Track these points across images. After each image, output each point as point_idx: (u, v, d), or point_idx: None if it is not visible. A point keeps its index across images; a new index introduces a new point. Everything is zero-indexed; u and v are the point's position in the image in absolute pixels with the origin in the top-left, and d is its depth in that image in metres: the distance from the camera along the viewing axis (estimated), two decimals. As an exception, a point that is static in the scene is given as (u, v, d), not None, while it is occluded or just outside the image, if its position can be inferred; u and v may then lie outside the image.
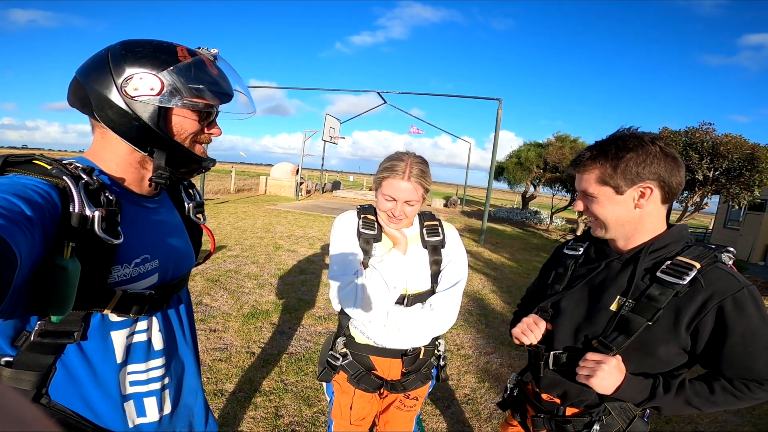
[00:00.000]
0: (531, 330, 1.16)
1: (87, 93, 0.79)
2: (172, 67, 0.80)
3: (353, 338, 1.45)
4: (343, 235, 1.41)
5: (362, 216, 1.44)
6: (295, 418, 2.41)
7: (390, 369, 1.45)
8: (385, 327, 1.37)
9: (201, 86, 0.83)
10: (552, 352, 1.13)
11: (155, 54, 0.80)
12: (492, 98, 10.16)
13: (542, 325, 1.16)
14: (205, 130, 0.90)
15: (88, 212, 0.69)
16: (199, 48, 0.89)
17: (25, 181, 0.66)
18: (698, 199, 9.37)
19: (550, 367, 1.13)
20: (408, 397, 1.51)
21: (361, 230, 1.41)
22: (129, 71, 0.78)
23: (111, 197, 0.75)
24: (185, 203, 1.06)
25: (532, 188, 18.88)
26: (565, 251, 1.25)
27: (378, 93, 13.15)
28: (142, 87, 0.78)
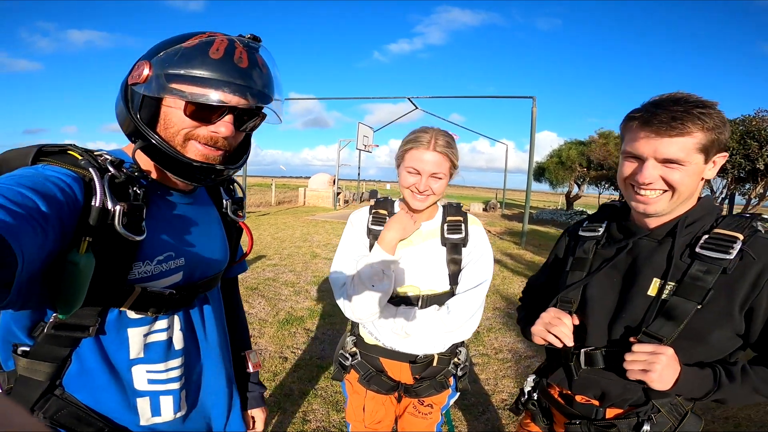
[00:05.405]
0: (555, 325, 1.02)
1: None
2: (162, 53, 0.73)
3: (362, 338, 1.38)
4: (346, 237, 1.35)
5: (373, 211, 1.35)
6: (323, 423, 2.38)
7: (401, 373, 1.36)
8: (393, 331, 1.26)
9: (187, 73, 0.71)
10: (583, 350, 1.02)
11: (166, 42, 0.76)
12: (525, 96, 9.99)
13: (568, 320, 1.02)
14: (209, 128, 0.77)
15: (110, 206, 0.67)
16: (238, 36, 0.78)
17: (48, 173, 0.65)
18: (762, 190, 8.59)
19: (583, 365, 1.01)
20: (422, 404, 1.39)
21: (371, 227, 1.32)
22: (138, 62, 0.76)
23: (139, 191, 0.73)
24: (223, 200, 1.01)
25: (576, 188, 18.10)
26: (582, 233, 1.13)
27: (409, 99, 13.17)
28: (135, 75, 0.74)
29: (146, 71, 0.73)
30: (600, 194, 16.91)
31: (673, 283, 0.90)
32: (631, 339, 0.93)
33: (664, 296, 0.91)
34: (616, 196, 15.57)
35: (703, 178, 0.91)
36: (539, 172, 17.93)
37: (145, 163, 0.82)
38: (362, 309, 1.20)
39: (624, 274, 1.00)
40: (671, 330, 0.89)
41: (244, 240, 1.09)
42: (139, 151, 0.77)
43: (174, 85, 0.73)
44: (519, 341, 3.79)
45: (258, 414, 1.14)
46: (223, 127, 0.78)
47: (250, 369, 1.13)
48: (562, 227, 14.92)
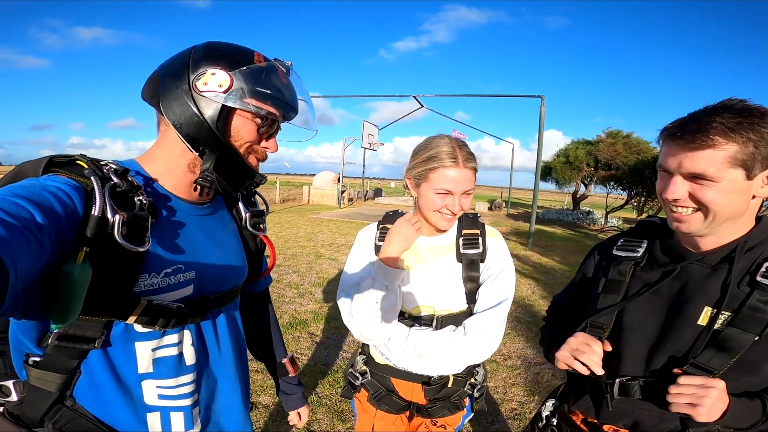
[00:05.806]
0: (584, 352, 0.93)
1: (160, 85, 0.79)
2: (244, 67, 0.79)
3: (373, 358, 1.31)
4: (353, 258, 1.28)
5: (381, 227, 1.28)
6: (328, 434, 2.31)
7: (413, 393, 1.29)
8: (405, 353, 1.18)
9: (269, 92, 0.81)
10: (618, 380, 0.94)
11: (233, 54, 0.80)
12: (533, 95, 9.85)
13: (598, 347, 0.93)
14: (262, 143, 0.86)
15: (109, 215, 0.66)
16: (275, 59, 0.87)
17: (47, 183, 0.64)
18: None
19: (616, 395, 0.93)
20: (435, 424, 1.33)
21: (378, 243, 1.24)
22: (204, 67, 0.78)
23: (145, 201, 0.73)
24: (242, 212, 1.00)
25: (582, 187, 17.93)
26: (617, 252, 1.04)
27: (414, 97, 13.07)
28: (211, 83, 0.77)
29: (228, 82, 0.77)
30: (608, 194, 16.70)
31: (728, 313, 0.83)
32: (676, 370, 0.85)
33: (716, 326, 0.83)
34: (624, 195, 15.42)
35: (756, 195, 0.82)
36: (546, 172, 17.76)
37: (155, 171, 0.82)
38: (369, 329, 1.13)
39: (672, 301, 0.91)
40: (723, 362, 0.81)
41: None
42: (158, 159, 0.82)
43: (256, 102, 0.79)
44: (528, 347, 3.70)
45: (303, 410, 1.26)
46: (274, 144, 0.88)
47: (292, 374, 1.21)
48: (568, 227, 14.78)
